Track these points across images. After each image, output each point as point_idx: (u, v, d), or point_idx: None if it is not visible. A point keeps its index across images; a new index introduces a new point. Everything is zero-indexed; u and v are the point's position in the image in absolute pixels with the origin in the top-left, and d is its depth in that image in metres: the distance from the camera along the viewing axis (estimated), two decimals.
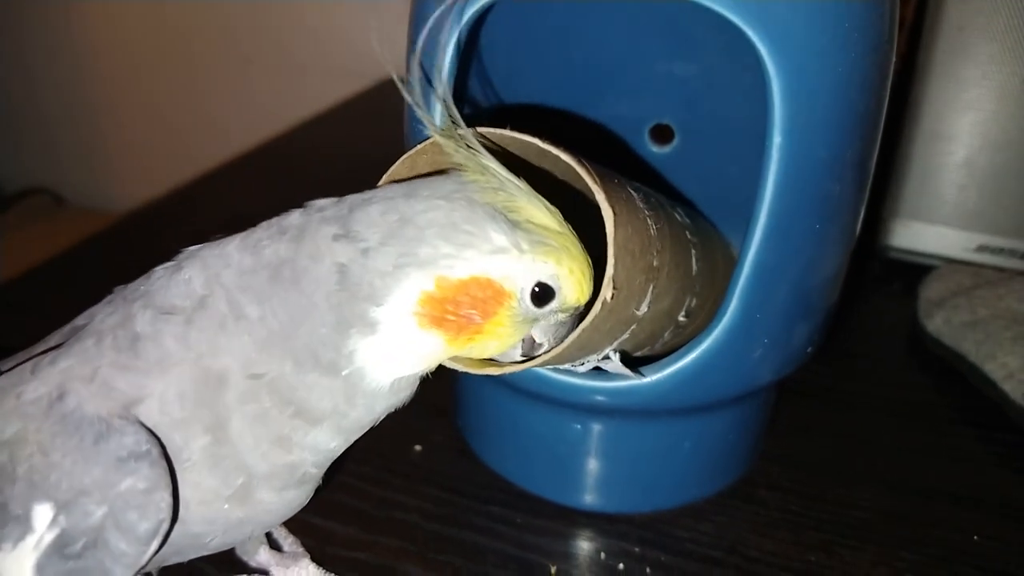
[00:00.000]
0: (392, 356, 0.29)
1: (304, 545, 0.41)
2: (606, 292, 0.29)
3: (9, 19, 1.43)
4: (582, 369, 0.38)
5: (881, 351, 0.61)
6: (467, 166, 0.29)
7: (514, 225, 0.29)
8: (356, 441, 0.32)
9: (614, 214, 0.29)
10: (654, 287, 0.34)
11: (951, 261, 0.66)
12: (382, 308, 0.28)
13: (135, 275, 0.32)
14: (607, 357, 0.36)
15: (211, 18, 1.29)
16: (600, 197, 0.29)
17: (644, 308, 0.33)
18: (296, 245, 0.29)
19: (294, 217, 0.30)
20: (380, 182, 0.32)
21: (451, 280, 0.28)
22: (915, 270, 0.66)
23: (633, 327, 0.34)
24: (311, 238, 0.29)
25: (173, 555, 0.31)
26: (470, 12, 0.35)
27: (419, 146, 0.31)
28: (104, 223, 0.79)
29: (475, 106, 0.44)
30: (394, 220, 0.28)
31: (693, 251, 0.39)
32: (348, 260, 0.28)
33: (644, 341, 0.37)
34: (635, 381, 0.38)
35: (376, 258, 0.28)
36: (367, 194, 0.30)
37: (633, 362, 0.38)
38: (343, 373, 0.29)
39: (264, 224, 0.30)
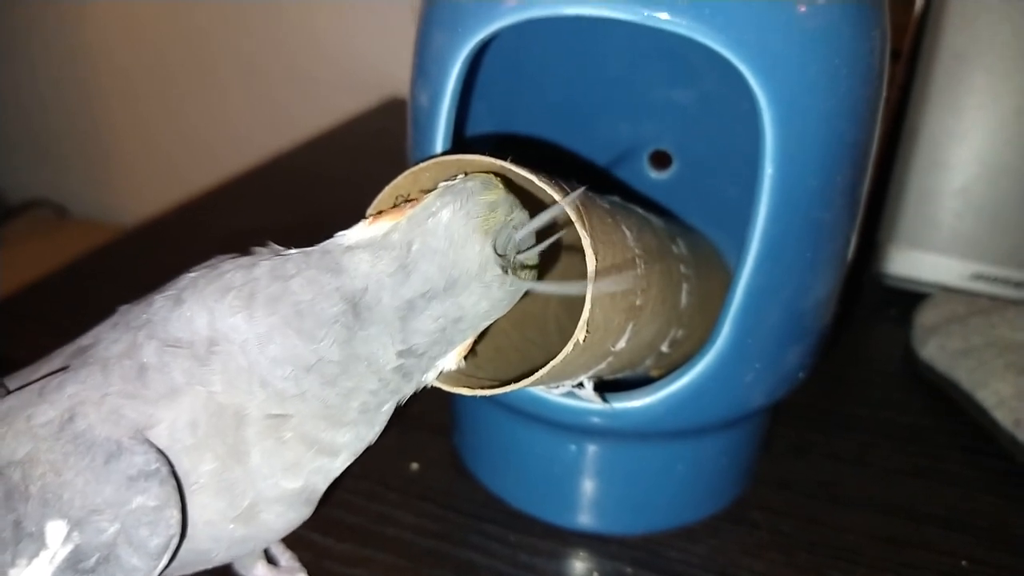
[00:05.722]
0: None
1: (301, 560, 0.42)
2: (579, 334, 0.30)
3: (12, 27, 1.43)
4: (556, 392, 0.38)
5: (875, 377, 0.61)
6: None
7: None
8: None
9: (596, 260, 0.30)
10: (634, 324, 0.34)
11: (947, 289, 0.66)
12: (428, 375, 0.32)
13: (140, 289, 0.32)
14: (580, 384, 0.37)
15: (219, 29, 1.29)
16: (586, 243, 0.30)
17: (622, 344, 0.34)
18: (349, 349, 0.29)
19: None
20: (382, 194, 0.32)
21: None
22: (911, 297, 0.66)
23: (610, 359, 0.34)
24: (366, 345, 0.29)
25: (179, 569, 0.32)
26: (474, 41, 0.36)
27: (422, 164, 0.32)
28: (109, 235, 0.79)
29: (477, 131, 0.45)
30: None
31: (685, 285, 0.39)
32: (412, 365, 0.31)
33: (622, 368, 0.37)
34: (623, 405, 0.38)
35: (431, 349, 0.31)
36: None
37: (614, 386, 0.39)
38: (372, 419, 0.31)
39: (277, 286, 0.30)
